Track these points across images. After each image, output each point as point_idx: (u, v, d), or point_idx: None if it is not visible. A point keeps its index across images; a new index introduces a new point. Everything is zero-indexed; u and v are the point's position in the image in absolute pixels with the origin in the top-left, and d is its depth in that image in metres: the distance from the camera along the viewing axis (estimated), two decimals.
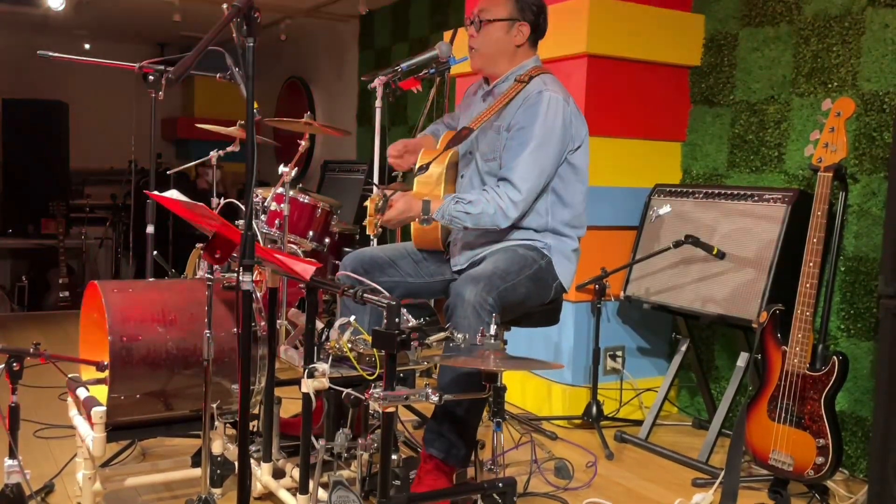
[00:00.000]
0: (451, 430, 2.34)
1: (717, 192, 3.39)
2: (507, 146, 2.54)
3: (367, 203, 2.49)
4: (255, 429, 2.68)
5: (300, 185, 4.31)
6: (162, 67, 3.27)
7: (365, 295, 2.08)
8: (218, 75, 3.41)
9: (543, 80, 2.57)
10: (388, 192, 2.48)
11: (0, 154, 7.69)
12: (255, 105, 1.87)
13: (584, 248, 2.71)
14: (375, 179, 3.28)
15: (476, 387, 2.18)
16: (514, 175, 2.48)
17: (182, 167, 4.83)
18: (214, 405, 2.29)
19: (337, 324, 2.14)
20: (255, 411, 2.60)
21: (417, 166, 2.61)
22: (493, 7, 2.61)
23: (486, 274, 2.38)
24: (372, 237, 2.97)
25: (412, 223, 2.65)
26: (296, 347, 3.94)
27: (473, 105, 2.79)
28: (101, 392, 2.35)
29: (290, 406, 2.85)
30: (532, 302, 2.55)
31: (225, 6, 1.80)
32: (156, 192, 2.46)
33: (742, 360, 3.18)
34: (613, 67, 3.58)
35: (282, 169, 3.70)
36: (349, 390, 2.09)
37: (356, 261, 2.70)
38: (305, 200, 4.17)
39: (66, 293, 6.91)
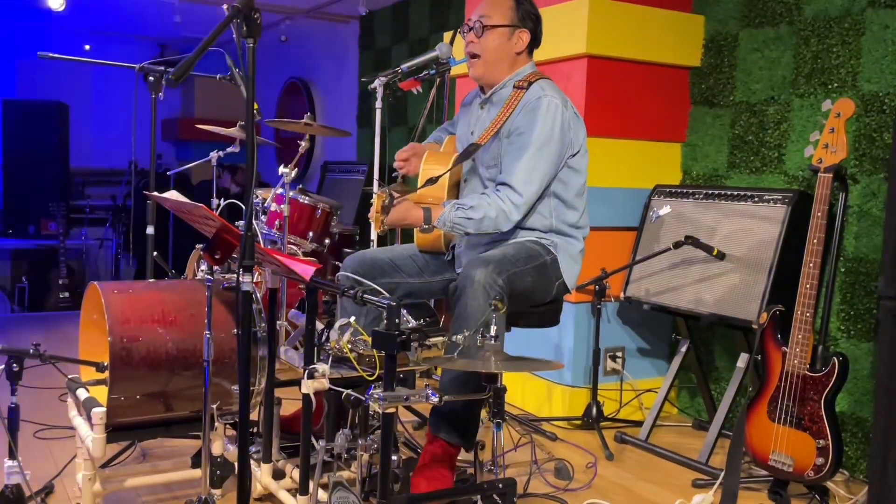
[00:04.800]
0: (455, 414, 2.37)
1: (717, 192, 3.39)
2: (506, 151, 2.54)
3: (374, 199, 2.48)
4: (255, 430, 2.68)
5: (300, 186, 4.32)
6: (162, 68, 3.27)
7: (364, 296, 2.08)
8: (218, 76, 3.42)
9: (541, 86, 2.57)
10: (395, 193, 2.47)
11: (1, 155, 7.70)
12: (255, 106, 1.87)
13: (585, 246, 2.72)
14: (376, 180, 3.28)
15: (476, 385, 2.19)
16: (514, 179, 2.48)
17: (182, 168, 4.84)
18: (214, 406, 2.29)
19: (337, 324, 2.14)
20: (255, 412, 2.60)
21: (424, 176, 2.60)
22: (494, 13, 2.61)
23: (495, 257, 2.42)
24: (378, 233, 2.94)
25: None
26: (296, 348, 3.94)
27: (472, 113, 2.78)
28: (101, 393, 2.35)
29: (290, 407, 2.85)
30: (536, 295, 2.57)
31: (225, 7, 1.80)
32: (156, 193, 2.46)
33: (742, 360, 3.18)
34: (613, 68, 3.58)
35: (282, 170, 3.70)
36: (349, 391, 2.09)
37: (357, 263, 2.70)
38: (305, 201, 4.17)
39: (67, 294, 6.91)
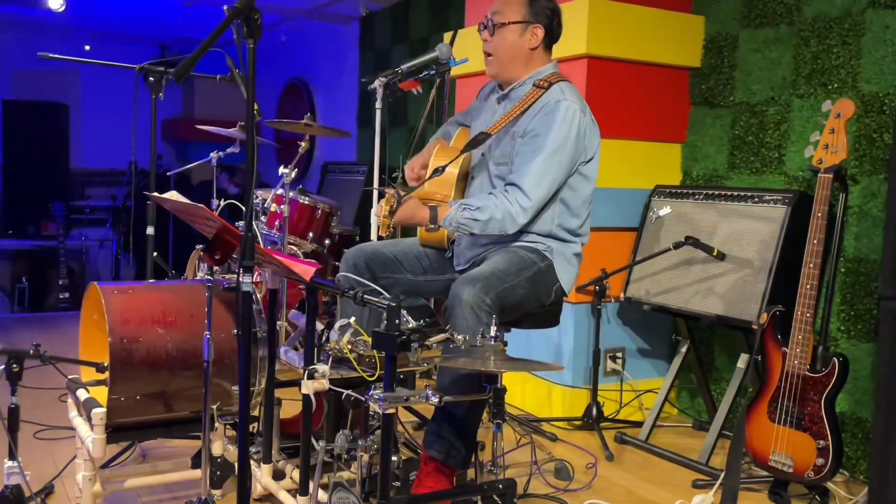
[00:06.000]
0: (450, 431, 2.34)
1: (717, 193, 3.39)
2: (519, 151, 2.52)
3: (382, 203, 2.46)
4: (255, 430, 2.68)
5: (300, 187, 4.32)
6: (162, 69, 3.27)
7: (365, 296, 2.07)
8: (218, 77, 3.42)
9: (562, 89, 2.55)
10: (403, 193, 2.46)
11: (1, 155, 7.70)
12: (255, 107, 1.87)
13: (584, 248, 2.71)
14: (375, 181, 3.28)
15: (476, 388, 2.18)
16: (525, 181, 2.46)
17: (182, 168, 4.84)
18: (214, 406, 2.29)
19: (337, 325, 2.14)
20: (255, 413, 2.60)
21: (432, 168, 2.60)
22: (506, 10, 2.59)
23: (484, 275, 2.38)
24: (384, 236, 2.93)
25: None
26: (296, 349, 3.94)
27: (488, 107, 2.77)
28: (101, 393, 2.35)
29: (290, 407, 2.85)
30: (531, 304, 2.55)
31: (226, 7, 1.80)
32: (156, 193, 2.46)
33: (742, 361, 3.18)
34: (613, 69, 3.58)
35: (282, 170, 3.70)
36: (349, 392, 2.09)
37: (359, 255, 2.69)
38: (305, 202, 4.17)
39: (67, 294, 6.92)
